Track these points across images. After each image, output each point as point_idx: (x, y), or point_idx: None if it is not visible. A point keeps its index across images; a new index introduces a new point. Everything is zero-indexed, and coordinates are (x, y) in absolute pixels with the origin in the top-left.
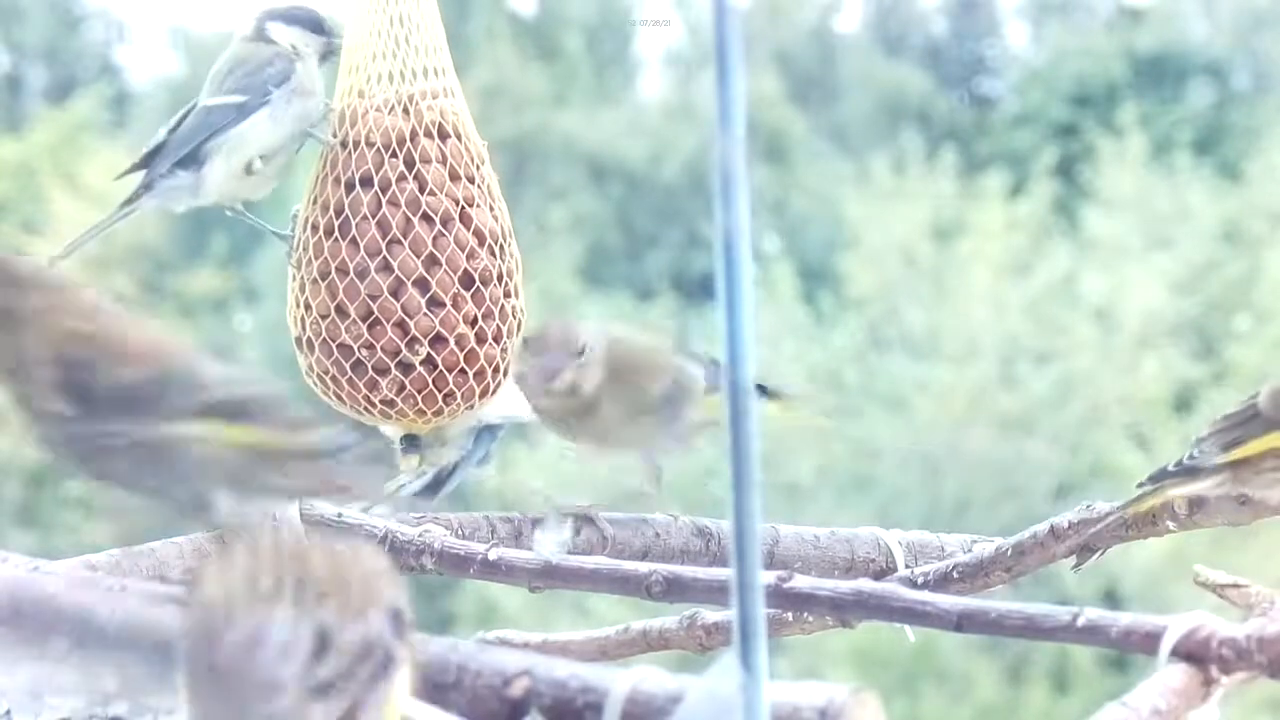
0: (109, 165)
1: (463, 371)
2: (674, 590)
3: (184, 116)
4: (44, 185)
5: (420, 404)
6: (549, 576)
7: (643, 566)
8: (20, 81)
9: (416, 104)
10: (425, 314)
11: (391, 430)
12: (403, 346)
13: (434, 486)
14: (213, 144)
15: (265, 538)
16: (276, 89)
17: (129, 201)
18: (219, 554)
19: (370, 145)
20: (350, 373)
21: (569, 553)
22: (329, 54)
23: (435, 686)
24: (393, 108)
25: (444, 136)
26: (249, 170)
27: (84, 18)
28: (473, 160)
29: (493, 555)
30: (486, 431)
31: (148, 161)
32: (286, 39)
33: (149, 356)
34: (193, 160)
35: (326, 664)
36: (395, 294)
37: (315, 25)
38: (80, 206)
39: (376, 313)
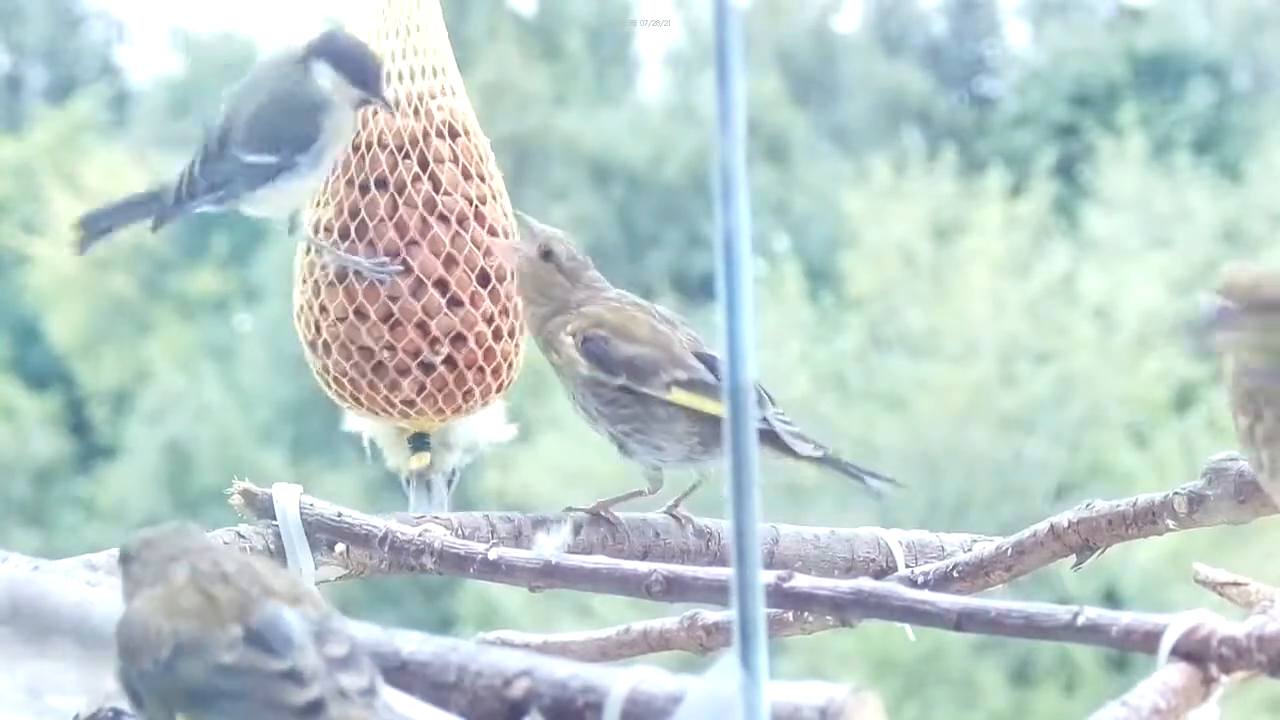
0: (109, 165)
1: (480, 369)
2: (674, 590)
3: (217, 144)
4: (44, 185)
5: (440, 403)
6: (549, 576)
7: (643, 566)
8: (20, 81)
9: (426, 103)
10: (445, 313)
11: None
12: (424, 346)
13: (430, 493)
14: (250, 195)
15: (197, 558)
16: (302, 155)
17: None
18: (152, 579)
19: (383, 147)
20: (371, 374)
21: (569, 552)
22: (364, 105)
23: (435, 686)
24: (402, 108)
25: (454, 135)
26: (292, 222)
27: (84, 18)
28: (482, 158)
29: (493, 555)
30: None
31: (179, 191)
32: (327, 82)
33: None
34: (230, 197)
35: (332, 645)
36: (415, 294)
37: (358, 78)
38: (80, 206)
39: (397, 314)
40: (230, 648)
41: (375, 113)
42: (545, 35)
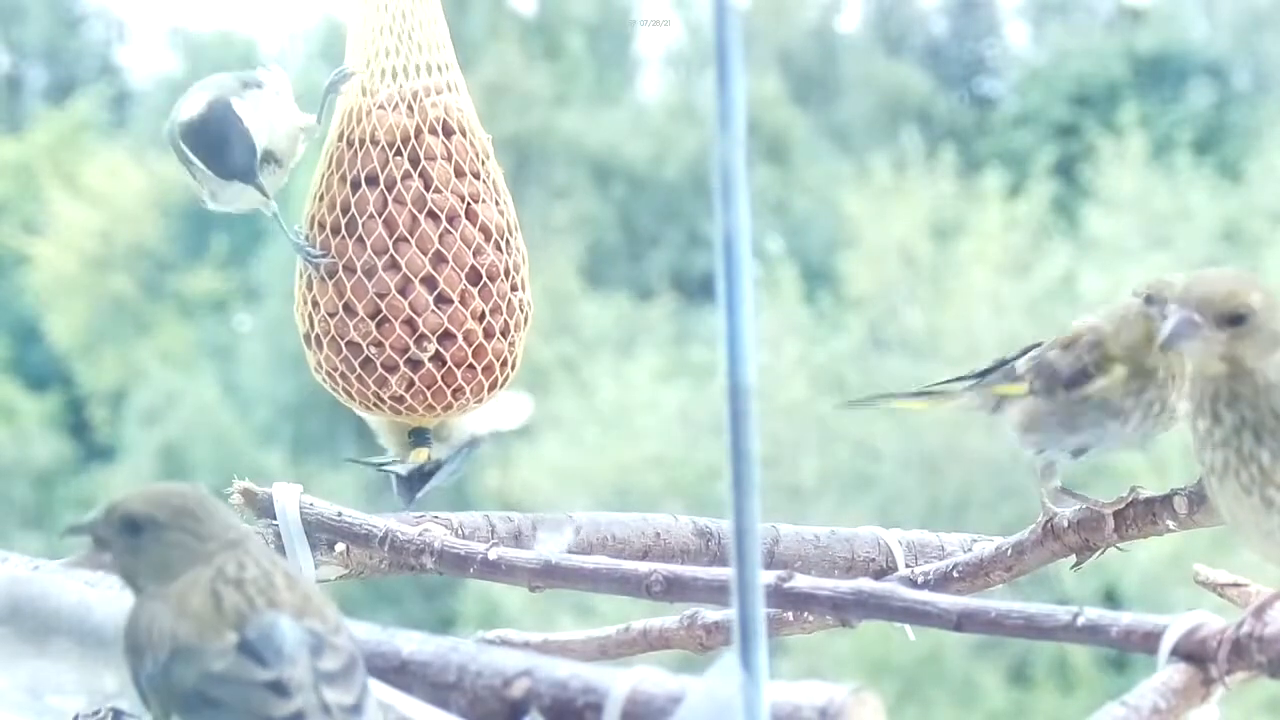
0: (109, 165)
1: (471, 367)
2: (674, 590)
3: None
4: (44, 185)
5: (429, 400)
6: (549, 576)
7: (643, 566)
8: (20, 81)
9: (420, 101)
10: (433, 311)
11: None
12: (411, 344)
13: (411, 488)
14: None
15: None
16: (245, 90)
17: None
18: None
19: (375, 143)
20: (359, 370)
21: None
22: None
23: (435, 686)
24: (396, 105)
25: (448, 133)
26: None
27: (84, 18)
28: (477, 155)
29: (493, 555)
30: (469, 445)
31: None
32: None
33: None
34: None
35: (327, 659)
36: (403, 291)
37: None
38: (80, 206)
39: (384, 310)
40: (222, 655)
41: (369, 110)
42: (546, 35)
